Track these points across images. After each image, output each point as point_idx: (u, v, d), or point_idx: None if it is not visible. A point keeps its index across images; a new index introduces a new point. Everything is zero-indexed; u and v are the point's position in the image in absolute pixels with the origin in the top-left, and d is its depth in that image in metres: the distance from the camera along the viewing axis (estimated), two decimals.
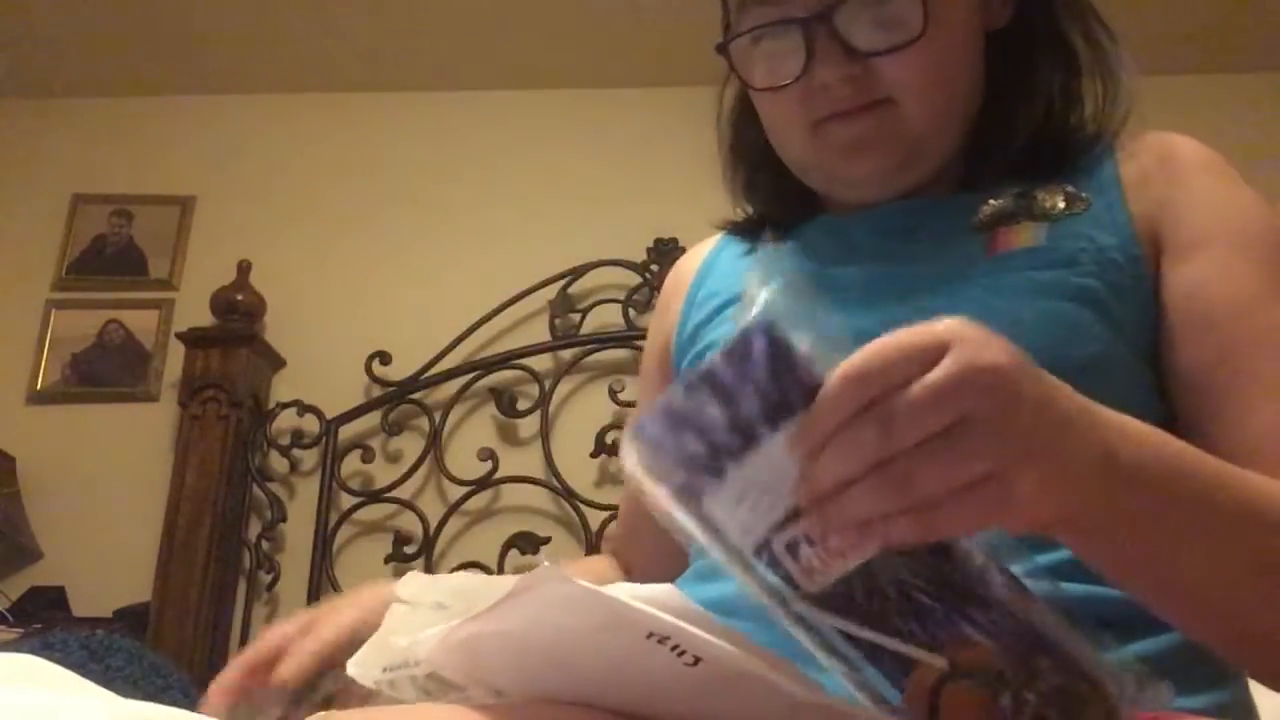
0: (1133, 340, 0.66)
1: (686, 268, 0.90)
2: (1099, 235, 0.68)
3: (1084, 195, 0.71)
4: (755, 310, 0.43)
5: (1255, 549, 0.51)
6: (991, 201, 0.72)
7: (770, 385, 0.43)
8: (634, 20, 2.71)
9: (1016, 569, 0.45)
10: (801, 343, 0.43)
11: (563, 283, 2.67)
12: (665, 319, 0.90)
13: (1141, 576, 0.51)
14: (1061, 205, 0.70)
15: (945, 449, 0.41)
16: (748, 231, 0.87)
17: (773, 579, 0.45)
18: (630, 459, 0.45)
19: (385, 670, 0.54)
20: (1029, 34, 0.76)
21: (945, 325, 0.43)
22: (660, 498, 0.45)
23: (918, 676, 0.43)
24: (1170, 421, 0.65)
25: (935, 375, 0.41)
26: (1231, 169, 0.72)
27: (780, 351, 0.42)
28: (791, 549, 0.44)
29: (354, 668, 0.55)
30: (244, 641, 2.46)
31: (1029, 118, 0.74)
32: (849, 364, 0.42)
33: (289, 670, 0.62)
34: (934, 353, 0.42)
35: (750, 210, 0.88)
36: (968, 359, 0.42)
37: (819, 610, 0.45)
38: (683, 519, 0.45)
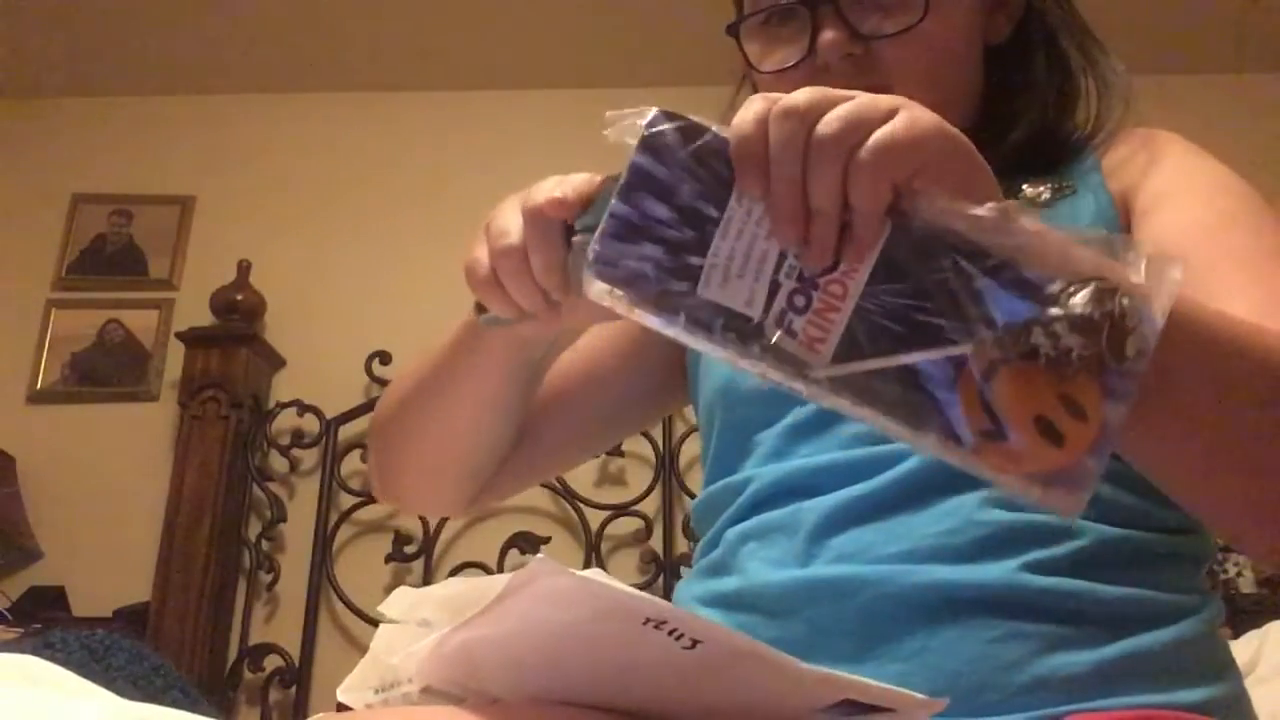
0: None
1: None
2: (1082, 216, 0.70)
3: (1068, 184, 0.73)
4: (644, 115, 0.46)
5: None
6: None
7: (694, 161, 0.45)
8: (634, 20, 2.71)
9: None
10: (698, 119, 0.46)
11: None
12: None
13: None
14: (1046, 195, 0.72)
15: (859, 111, 0.45)
16: None
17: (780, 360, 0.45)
18: (596, 289, 0.46)
19: (377, 691, 0.54)
20: (1027, 49, 0.79)
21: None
22: (647, 319, 0.46)
23: (963, 385, 0.43)
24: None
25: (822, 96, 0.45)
26: (1195, 146, 0.74)
27: (688, 127, 0.45)
28: (789, 329, 0.44)
29: (344, 693, 0.55)
30: (244, 641, 2.46)
31: (1023, 125, 0.76)
32: (751, 98, 0.46)
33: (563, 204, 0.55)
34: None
35: None
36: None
37: (847, 365, 0.44)
38: (675, 333, 0.46)
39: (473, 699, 0.51)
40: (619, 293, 0.46)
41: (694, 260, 0.45)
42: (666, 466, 2.54)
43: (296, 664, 2.41)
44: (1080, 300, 0.41)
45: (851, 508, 0.63)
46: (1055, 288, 0.42)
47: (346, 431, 2.62)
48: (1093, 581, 0.59)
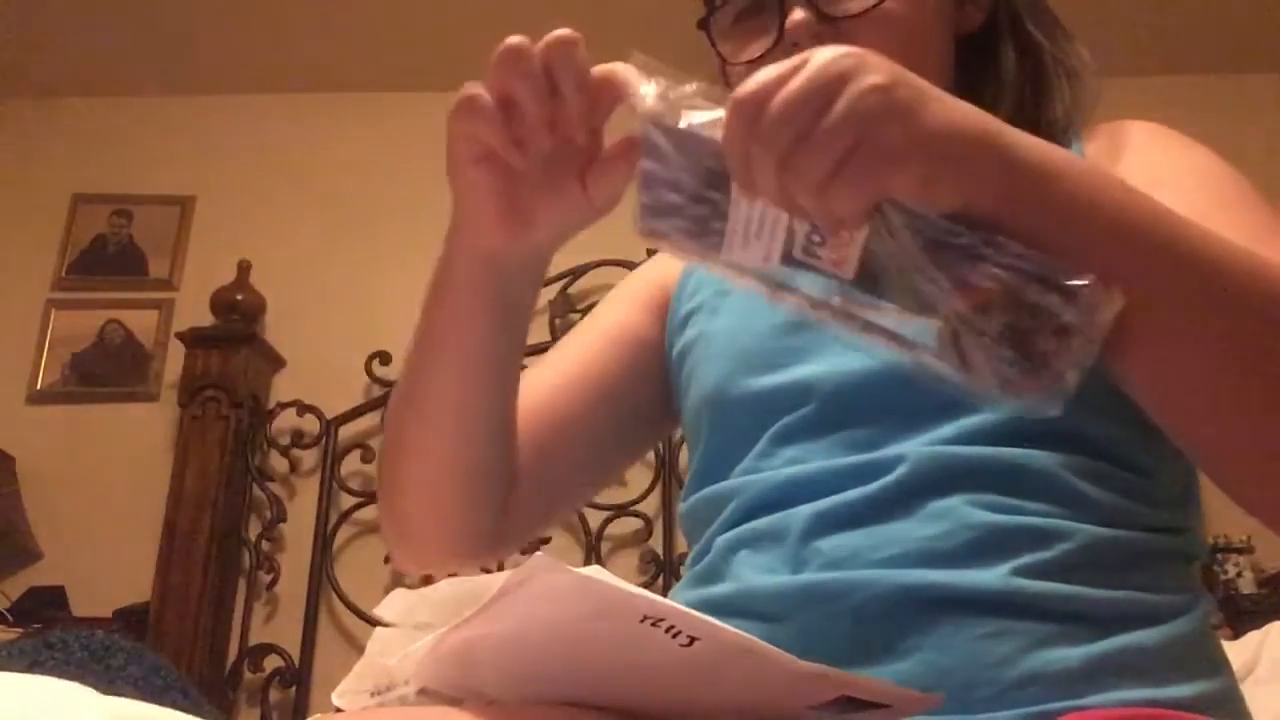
0: None
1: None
2: None
3: None
4: (641, 110, 0.52)
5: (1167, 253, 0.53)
6: None
7: (690, 161, 0.52)
8: (632, 20, 2.71)
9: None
10: (689, 120, 0.52)
11: (562, 283, 2.67)
12: (664, 279, 0.90)
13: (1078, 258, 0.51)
14: None
15: (816, 135, 0.48)
16: None
17: (814, 287, 0.53)
18: (653, 246, 0.55)
19: (373, 695, 0.54)
20: (998, 39, 0.79)
21: (813, 50, 0.50)
22: (697, 265, 0.55)
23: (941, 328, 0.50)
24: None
25: (794, 80, 0.49)
26: (1182, 136, 0.75)
27: (677, 136, 0.52)
28: (810, 253, 0.51)
29: (340, 696, 0.55)
30: (244, 641, 2.46)
31: (999, 116, 0.76)
32: (732, 99, 0.50)
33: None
34: (795, 66, 0.49)
35: None
36: (818, 60, 0.49)
37: (859, 294, 0.51)
38: (718, 273, 0.54)
39: (470, 700, 0.51)
40: (672, 252, 0.54)
41: (717, 225, 0.52)
42: (666, 466, 2.54)
43: (296, 664, 2.41)
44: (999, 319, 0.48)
45: (840, 511, 0.63)
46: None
47: (346, 431, 2.62)
48: (1085, 585, 0.58)
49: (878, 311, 0.50)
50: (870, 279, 0.50)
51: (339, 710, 0.55)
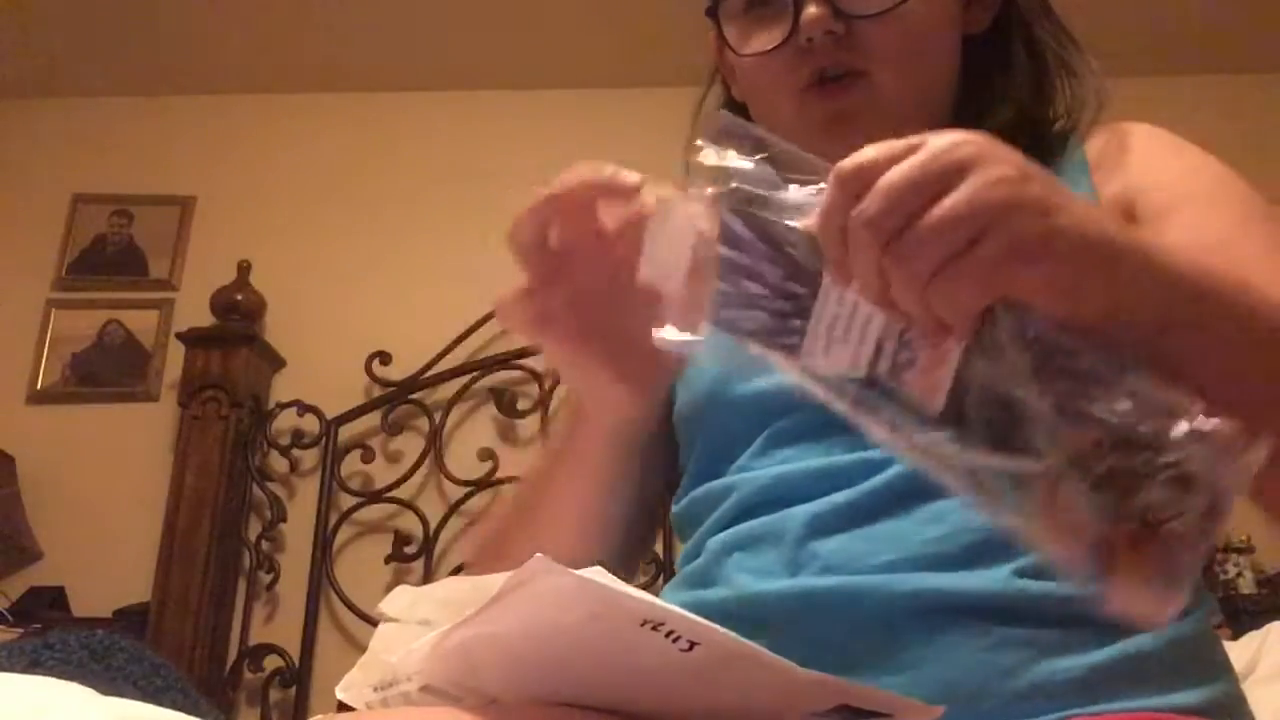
0: None
1: None
2: None
3: (1061, 180, 0.73)
4: (716, 195, 0.48)
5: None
6: None
7: (773, 250, 0.48)
8: (633, 20, 2.71)
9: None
10: (771, 208, 0.48)
11: None
12: None
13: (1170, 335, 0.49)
14: None
15: (931, 221, 0.44)
16: None
17: (895, 415, 0.47)
18: (728, 338, 0.50)
19: (376, 690, 0.54)
20: (1004, 38, 0.79)
21: (929, 135, 0.47)
22: (772, 360, 0.48)
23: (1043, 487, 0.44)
24: None
25: (908, 159, 0.45)
26: (1178, 139, 0.75)
27: (757, 224, 0.48)
28: (896, 377, 0.46)
29: (344, 691, 0.55)
30: (244, 642, 2.46)
31: (999, 113, 0.76)
32: (835, 170, 0.46)
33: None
34: (910, 146, 0.46)
35: None
36: (936, 144, 0.45)
37: (936, 434, 0.46)
38: (798, 380, 0.48)
39: (471, 699, 0.51)
40: (744, 341, 0.48)
41: (797, 324, 0.47)
42: None
43: (296, 664, 2.41)
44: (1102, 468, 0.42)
45: (838, 513, 0.63)
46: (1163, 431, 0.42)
47: (346, 431, 2.62)
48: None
49: (963, 453, 0.44)
50: (956, 414, 0.45)
51: (341, 705, 0.55)
